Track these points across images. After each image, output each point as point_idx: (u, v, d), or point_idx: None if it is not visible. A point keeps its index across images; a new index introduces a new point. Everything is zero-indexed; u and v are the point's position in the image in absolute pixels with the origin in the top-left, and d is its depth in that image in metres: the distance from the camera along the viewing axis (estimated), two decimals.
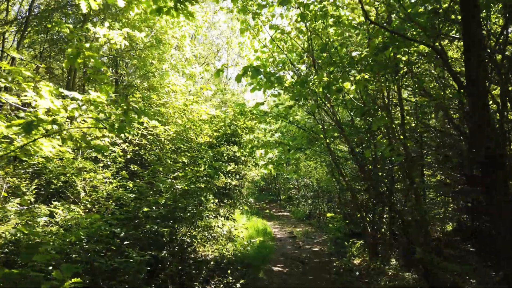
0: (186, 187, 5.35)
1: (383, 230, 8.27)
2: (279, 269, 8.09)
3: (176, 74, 8.70)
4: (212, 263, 7.38)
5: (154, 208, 5.08)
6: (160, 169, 5.41)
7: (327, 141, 8.87)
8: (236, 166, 8.24)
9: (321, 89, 6.42)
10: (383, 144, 7.39)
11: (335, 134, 8.95)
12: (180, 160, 5.76)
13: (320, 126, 9.24)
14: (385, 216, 8.44)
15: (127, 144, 6.41)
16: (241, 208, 15.23)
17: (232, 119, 6.69)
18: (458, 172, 7.07)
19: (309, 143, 9.78)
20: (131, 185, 5.35)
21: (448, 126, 7.53)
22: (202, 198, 5.67)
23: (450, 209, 7.78)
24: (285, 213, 19.83)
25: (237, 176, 7.94)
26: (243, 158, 7.88)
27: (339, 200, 13.85)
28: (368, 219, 8.69)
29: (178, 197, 5.19)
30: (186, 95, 6.37)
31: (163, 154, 5.50)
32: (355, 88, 6.17)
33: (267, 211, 20.43)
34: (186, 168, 5.38)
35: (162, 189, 5.35)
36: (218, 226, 8.51)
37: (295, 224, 15.55)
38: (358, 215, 9.15)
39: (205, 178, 5.54)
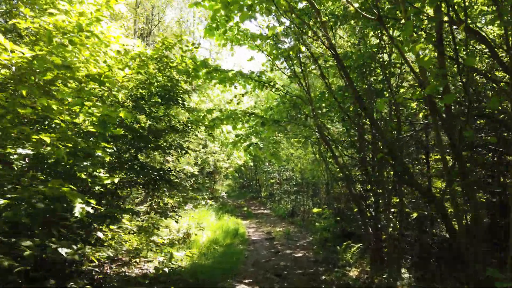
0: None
1: (389, 229, 5.96)
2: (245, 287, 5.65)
3: None
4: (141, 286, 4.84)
5: None
6: None
7: (314, 110, 6.50)
8: (179, 138, 5.72)
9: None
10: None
11: (327, 99, 6.59)
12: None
13: (305, 93, 6.90)
14: (392, 210, 6.13)
15: None
16: (205, 203, 12.76)
17: (162, 55, 4.18)
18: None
19: (291, 117, 7.40)
20: None
21: None
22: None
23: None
24: (265, 211, 17.45)
25: (178, 151, 5.40)
26: (190, 125, 5.36)
27: (328, 193, 11.54)
28: (368, 214, 6.37)
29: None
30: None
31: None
32: None
33: (245, 208, 17.96)
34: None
35: None
36: (154, 227, 5.99)
37: (275, 223, 13.17)
38: (355, 210, 6.80)
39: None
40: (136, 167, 4.50)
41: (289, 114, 7.67)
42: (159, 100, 4.63)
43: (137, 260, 6.16)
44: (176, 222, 6.06)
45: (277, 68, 7.62)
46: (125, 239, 6.20)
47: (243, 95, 7.31)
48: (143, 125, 4.67)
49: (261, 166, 22.17)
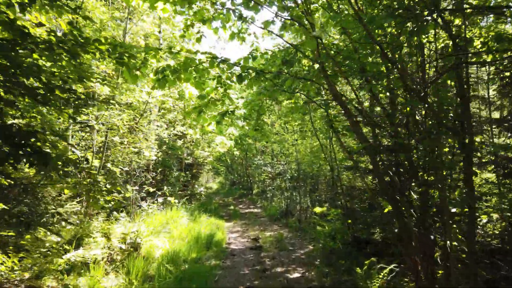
0: None
1: (451, 242, 3.43)
2: None
3: None
4: None
5: None
6: None
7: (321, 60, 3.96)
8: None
9: None
10: None
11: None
12: None
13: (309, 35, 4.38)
14: (453, 211, 3.60)
15: None
16: (176, 202, 10.14)
17: None
18: None
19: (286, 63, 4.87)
20: None
21: None
22: None
23: None
24: (255, 210, 14.91)
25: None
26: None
27: (332, 187, 9.02)
28: (409, 214, 3.84)
29: None
30: None
31: None
32: None
33: (232, 207, 15.41)
34: None
35: None
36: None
37: (265, 225, 10.64)
38: (389, 208, 4.24)
39: None
40: None
41: (281, 68, 5.13)
42: None
43: None
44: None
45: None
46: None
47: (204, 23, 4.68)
48: None
49: (251, 158, 19.62)
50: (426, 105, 3.47)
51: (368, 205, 7.02)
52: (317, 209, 6.71)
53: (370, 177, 8.82)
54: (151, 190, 7.65)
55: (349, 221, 6.49)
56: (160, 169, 9.30)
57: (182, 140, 13.26)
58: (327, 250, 6.72)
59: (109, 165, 6.96)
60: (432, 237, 3.68)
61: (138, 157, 7.84)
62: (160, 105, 7.17)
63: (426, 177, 3.74)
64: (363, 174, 6.56)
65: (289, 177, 12.64)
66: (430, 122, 3.63)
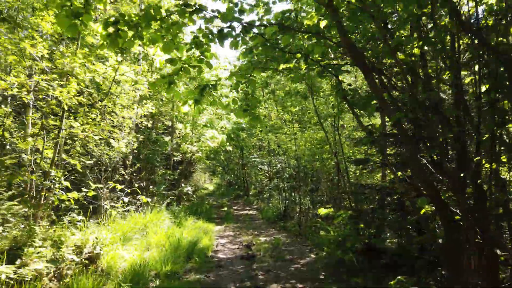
0: None
1: None
2: None
3: None
4: None
5: None
6: None
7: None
8: None
9: None
10: None
11: None
12: None
13: None
14: None
15: None
16: (159, 202, 8.91)
17: None
18: None
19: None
20: None
21: None
22: None
23: None
24: (251, 212, 13.70)
25: None
26: None
27: (338, 182, 7.85)
28: (464, 217, 2.64)
29: None
30: None
31: None
32: None
33: (225, 208, 14.20)
34: None
35: None
36: None
37: (261, 229, 9.43)
38: (426, 209, 3.04)
39: None
40: None
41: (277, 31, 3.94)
42: None
43: None
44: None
45: None
46: None
47: None
48: None
49: (248, 156, 18.39)
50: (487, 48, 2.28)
51: (379, 207, 5.84)
52: (322, 211, 5.51)
53: (379, 175, 7.65)
54: (119, 187, 6.42)
55: (361, 225, 5.28)
56: (138, 165, 8.09)
57: (169, 137, 12.05)
58: (333, 261, 5.53)
59: (75, 158, 5.77)
60: (497, 251, 2.49)
61: (110, 150, 6.64)
62: (131, 85, 5.94)
63: (487, 164, 2.55)
64: (386, 166, 5.41)
65: (287, 176, 11.45)
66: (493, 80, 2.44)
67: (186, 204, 13.24)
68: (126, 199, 6.99)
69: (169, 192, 10.84)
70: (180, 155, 11.60)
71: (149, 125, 8.38)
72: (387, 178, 8.16)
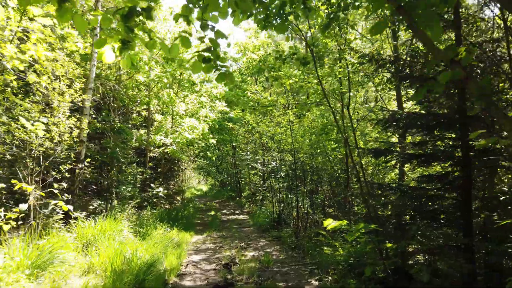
0: None
1: None
2: None
3: None
4: None
5: None
6: None
7: None
8: None
9: None
10: None
11: None
12: None
13: None
14: None
15: None
16: (126, 208, 7.11)
17: None
18: None
19: None
20: None
21: None
22: None
23: None
24: (241, 216, 11.96)
25: None
26: None
27: (348, 181, 6.14)
28: None
29: None
30: None
31: None
32: None
33: (212, 213, 12.45)
34: None
35: None
36: None
37: (250, 239, 7.70)
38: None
39: None
40: None
41: None
42: None
43: None
44: None
45: None
46: None
47: None
48: None
49: (239, 154, 16.63)
50: None
51: (414, 217, 4.15)
52: (329, 223, 3.68)
53: (407, 168, 5.92)
54: (57, 188, 4.68)
55: (389, 244, 3.55)
56: (88, 160, 6.32)
57: (146, 130, 10.29)
58: None
59: None
60: None
61: (41, 139, 4.87)
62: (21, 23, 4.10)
63: None
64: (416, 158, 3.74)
65: (283, 175, 9.72)
66: None
67: (167, 208, 11.49)
68: (71, 207, 5.22)
69: (143, 194, 9.08)
70: (157, 151, 9.84)
71: (102, 107, 6.60)
72: (407, 177, 6.47)
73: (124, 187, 7.52)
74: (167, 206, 11.95)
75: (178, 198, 13.43)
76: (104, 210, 7.02)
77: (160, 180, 10.71)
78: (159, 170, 12.73)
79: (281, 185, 9.72)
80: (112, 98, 7.72)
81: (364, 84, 5.43)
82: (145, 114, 10.91)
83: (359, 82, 5.26)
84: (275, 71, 5.82)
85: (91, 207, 6.36)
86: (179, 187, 13.97)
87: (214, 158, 24.07)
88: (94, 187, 8.54)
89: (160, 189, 8.58)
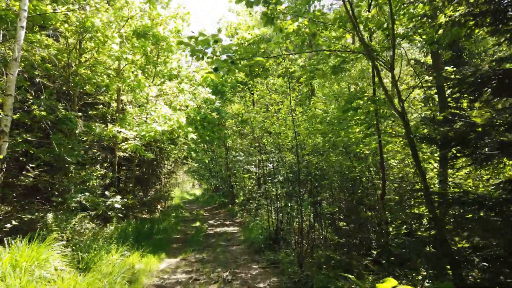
0: None
1: None
2: None
3: None
4: None
5: None
6: None
7: None
8: None
9: None
10: None
11: None
12: None
13: None
14: None
15: None
16: (69, 222, 5.12)
17: None
18: None
19: None
20: None
21: None
22: None
23: None
24: (231, 228, 10.04)
25: None
26: None
27: (382, 196, 4.24)
28: None
29: None
30: None
31: None
32: None
33: (197, 224, 10.53)
34: None
35: None
36: None
37: (238, 265, 5.78)
38: None
39: None
40: None
41: None
42: None
43: None
44: None
45: None
46: None
47: None
48: None
49: (232, 155, 14.73)
50: None
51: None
52: None
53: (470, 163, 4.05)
54: None
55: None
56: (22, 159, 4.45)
57: (107, 124, 8.36)
58: None
59: None
60: None
61: None
62: None
63: None
64: None
65: (281, 179, 7.84)
66: None
67: (144, 217, 9.55)
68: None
69: (106, 204, 7.14)
70: (128, 149, 7.93)
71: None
72: (452, 179, 4.64)
73: (70, 195, 5.62)
74: (146, 216, 10.03)
75: (159, 206, 11.48)
76: (39, 227, 5.11)
77: (131, 185, 8.78)
78: (137, 173, 10.80)
79: (279, 191, 7.84)
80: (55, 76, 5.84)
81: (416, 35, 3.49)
82: (115, 106, 9.00)
83: (405, 33, 3.36)
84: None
85: (8, 225, 4.45)
86: (161, 193, 12.01)
87: (207, 161, 22.17)
88: (45, 195, 6.65)
89: (118, 197, 6.64)
